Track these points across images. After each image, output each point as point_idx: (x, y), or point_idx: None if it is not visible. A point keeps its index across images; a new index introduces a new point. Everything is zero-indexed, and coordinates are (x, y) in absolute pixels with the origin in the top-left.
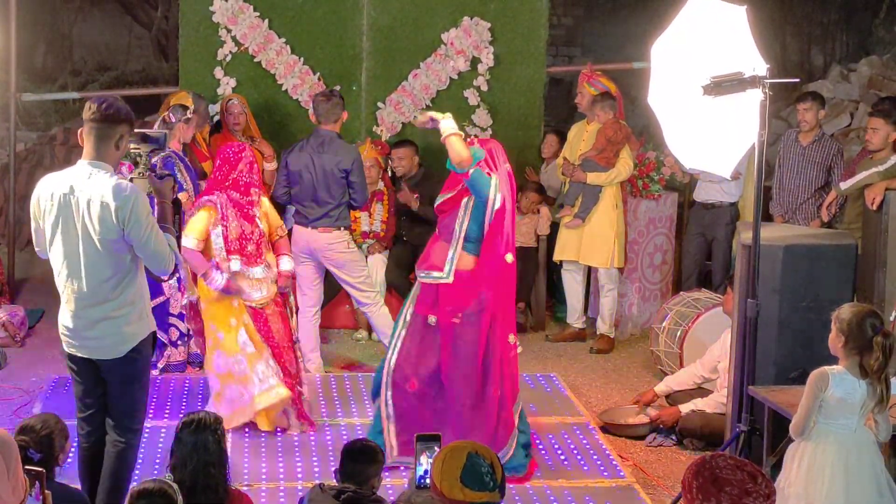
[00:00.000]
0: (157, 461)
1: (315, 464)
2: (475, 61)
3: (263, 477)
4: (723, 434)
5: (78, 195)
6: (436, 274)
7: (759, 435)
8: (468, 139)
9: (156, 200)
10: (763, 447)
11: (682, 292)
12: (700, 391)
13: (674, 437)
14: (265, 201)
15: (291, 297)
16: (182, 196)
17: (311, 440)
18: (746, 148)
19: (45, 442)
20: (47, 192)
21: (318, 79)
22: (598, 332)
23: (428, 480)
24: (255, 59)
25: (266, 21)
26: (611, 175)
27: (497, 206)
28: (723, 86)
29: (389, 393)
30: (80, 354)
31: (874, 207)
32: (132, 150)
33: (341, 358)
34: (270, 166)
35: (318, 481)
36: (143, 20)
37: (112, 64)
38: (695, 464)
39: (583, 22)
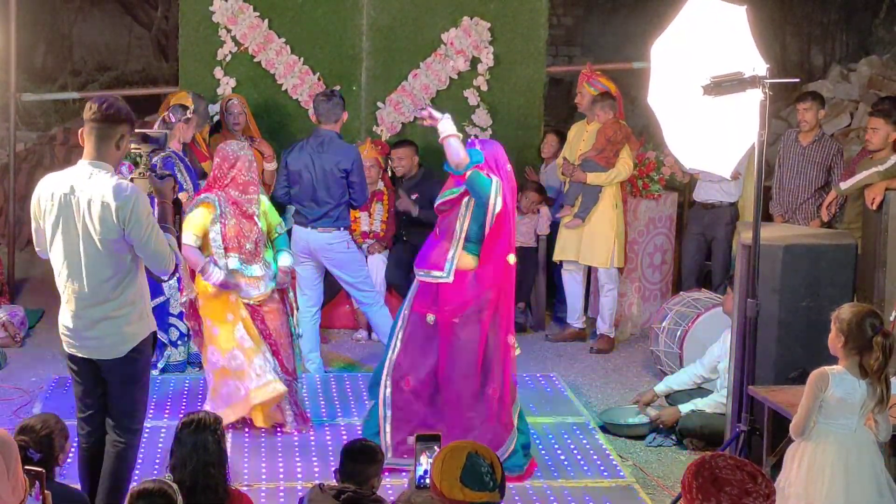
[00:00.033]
0: (157, 461)
1: (315, 464)
2: (475, 61)
3: (263, 477)
4: (723, 434)
5: (78, 195)
6: (436, 273)
7: (759, 435)
8: (469, 139)
9: (156, 200)
10: (763, 447)
11: (682, 292)
12: (700, 391)
13: (674, 437)
14: (264, 200)
15: (291, 293)
16: (182, 196)
17: (311, 440)
18: (746, 148)
19: (44, 442)
20: (48, 191)
21: (318, 79)
22: (598, 332)
23: (428, 480)
24: (255, 59)
25: (266, 21)
26: (611, 175)
27: (498, 209)
28: (723, 86)
29: (389, 391)
30: (80, 354)
31: (874, 207)
32: (133, 151)
33: (341, 358)
34: (270, 166)
35: (317, 481)
36: (143, 20)
37: (112, 64)
38: (695, 464)
39: (583, 22)
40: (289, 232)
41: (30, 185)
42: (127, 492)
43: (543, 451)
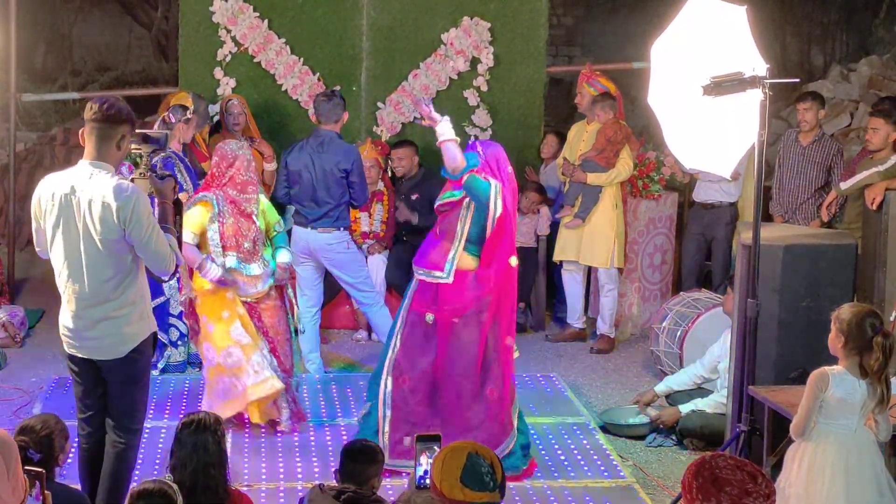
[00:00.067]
0: (157, 461)
1: (315, 464)
2: (475, 61)
3: (263, 477)
4: (723, 434)
5: (79, 195)
6: (436, 273)
7: (759, 435)
8: (469, 141)
9: (156, 201)
10: (763, 447)
11: (682, 292)
12: (700, 391)
13: (674, 437)
14: (263, 199)
15: (290, 290)
16: (182, 196)
17: (311, 440)
18: (746, 148)
19: (44, 442)
20: (48, 192)
21: (318, 79)
22: (598, 333)
23: (428, 480)
24: (255, 60)
25: (266, 21)
26: (611, 175)
27: (498, 213)
28: (723, 86)
29: (389, 390)
30: (80, 355)
31: (874, 207)
32: (133, 151)
33: (341, 358)
34: (270, 167)
35: (317, 482)
36: (143, 20)
37: (112, 64)
38: (695, 464)
39: (583, 22)
40: (288, 233)
41: (30, 186)
42: (127, 492)
43: (543, 451)
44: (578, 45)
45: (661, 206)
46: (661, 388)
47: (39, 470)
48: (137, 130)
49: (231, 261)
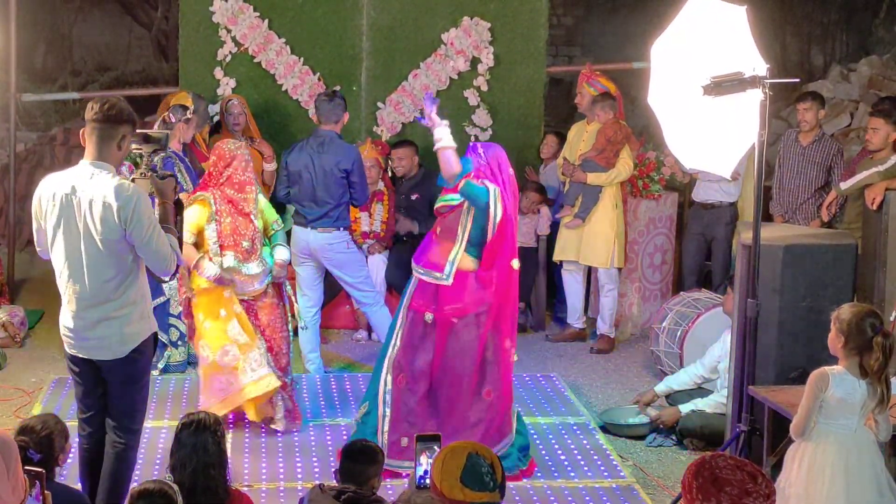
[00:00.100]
0: (157, 461)
1: (315, 464)
2: (475, 61)
3: (263, 477)
4: (723, 434)
5: (80, 195)
6: (436, 274)
7: (759, 435)
8: (471, 143)
9: (157, 201)
10: (763, 447)
11: (682, 292)
12: (700, 391)
13: (674, 438)
14: (261, 198)
15: (289, 288)
16: (183, 196)
17: (311, 440)
18: (746, 148)
19: (44, 442)
20: (49, 192)
21: (318, 79)
22: (598, 333)
23: (428, 480)
24: (255, 60)
25: (266, 21)
26: (611, 175)
27: (499, 217)
28: (723, 86)
29: (389, 388)
30: (81, 355)
31: (874, 207)
32: (133, 151)
33: (341, 358)
34: (270, 167)
35: (318, 482)
36: (143, 20)
37: (112, 64)
38: (695, 464)
39: (583, 22)
40: (288, 233)
41: (30, 186)
42: (127, 492)
43: (543, 451)
44: (578, 45)
45: (661, 206)
46: (661, 388)
47: (39, 470)
48: (138, 130)
49: (229, 260)
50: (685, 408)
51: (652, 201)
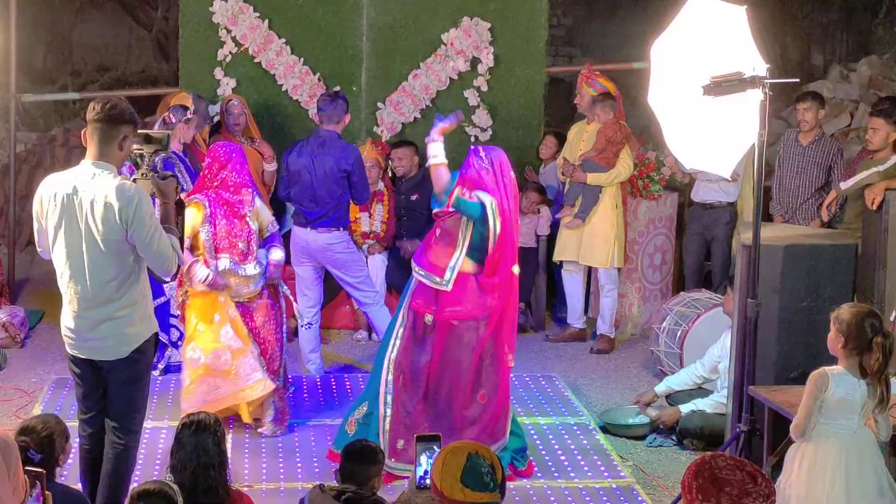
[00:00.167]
0: (157, 461)
1: (315, 464)
2: (475, 62)
3: (263, 477)
4: (723, 434)
5: (81, 196)
6: (437, 279)
7: (759, 435)
8: (472, 146)
9: (158, 202)
10: (763, 447)
11: (682, 292)
12: (700, 391)
13: (674, 438)
14: (256, 199)
15: (285, 288)
16: (183, 197)
17: (312, 440)
18: (746, 148)
19: (45, 443)
20: (50, 192)
21: (318, 79)
22: (598, 333)
23: (428, 480)
24: (256, 60)
25: (266, 21)
26: (611, 175)
27: (498, 231)
28: (723, 86)
29: (389, 388)
30: (81, 356)
31: (874, 207)
32: (134, 151)
33: (341, 358)
34: (270, 167)
35: (318, 482)
36: (143, 21)
37: (112, 65)
38: (695, 464)
39: (583, 22)
40: (288, 234)
41: (30, 186)
42: (127, 492)
43: (543, 451)
44: (578, 45)
45: (661, 206)
46: (661, 388)
47: (40, 470)
48: (139, 131)
49: (224, 263)
50: (685, 408)
51: (652, 201)
